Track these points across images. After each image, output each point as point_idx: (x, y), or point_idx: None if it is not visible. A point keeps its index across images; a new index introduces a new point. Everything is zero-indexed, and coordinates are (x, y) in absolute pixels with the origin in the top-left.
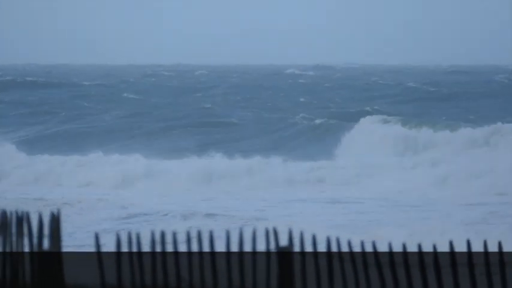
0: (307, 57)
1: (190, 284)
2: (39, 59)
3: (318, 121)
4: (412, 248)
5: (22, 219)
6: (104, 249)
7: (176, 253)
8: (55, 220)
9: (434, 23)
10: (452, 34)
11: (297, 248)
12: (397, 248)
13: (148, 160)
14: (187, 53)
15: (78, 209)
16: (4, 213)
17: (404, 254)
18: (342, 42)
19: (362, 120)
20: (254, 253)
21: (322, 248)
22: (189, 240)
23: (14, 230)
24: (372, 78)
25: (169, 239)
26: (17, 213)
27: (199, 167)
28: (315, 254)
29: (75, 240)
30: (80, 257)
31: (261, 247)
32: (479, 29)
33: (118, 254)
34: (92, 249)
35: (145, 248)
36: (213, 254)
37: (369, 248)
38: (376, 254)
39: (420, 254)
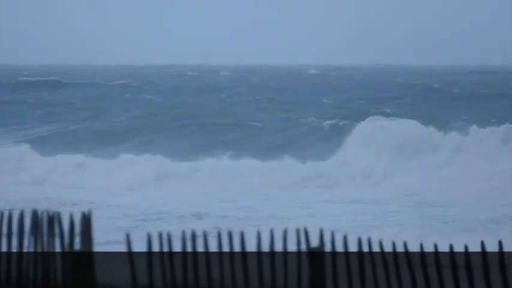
0: (330, 58)
1: (221, 283)
2: (62, 59)
3: (336, 121)
4: (441, 249)
5: (53, 219)
6: (121, 248)
7: (207, 253)
8: (86, 220)
9: (461, 24)
10: (482, 34)
11: (328, 248)
12: (428, 248)
13: (163, 160)
14: (211, 53)
15: (91, 209)
16: (35, 213)
17: (436, 254)
18: (366, 42)
19: (361, 122)
20: (285, 253)
21: (353, 248)
22: (220, 240)
23: (45, 230)
24: (396, 79)
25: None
26: (48, 213)
27: (215, 168)
28: (346, 254)
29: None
30: (111, 256)
31: (291, 247)
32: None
33: (149, 254)
34: (111, 247)
35: (176, 248)
36: (244, 253)
37: (400, 248)
38: (407, 254)
39: (452, 254)
